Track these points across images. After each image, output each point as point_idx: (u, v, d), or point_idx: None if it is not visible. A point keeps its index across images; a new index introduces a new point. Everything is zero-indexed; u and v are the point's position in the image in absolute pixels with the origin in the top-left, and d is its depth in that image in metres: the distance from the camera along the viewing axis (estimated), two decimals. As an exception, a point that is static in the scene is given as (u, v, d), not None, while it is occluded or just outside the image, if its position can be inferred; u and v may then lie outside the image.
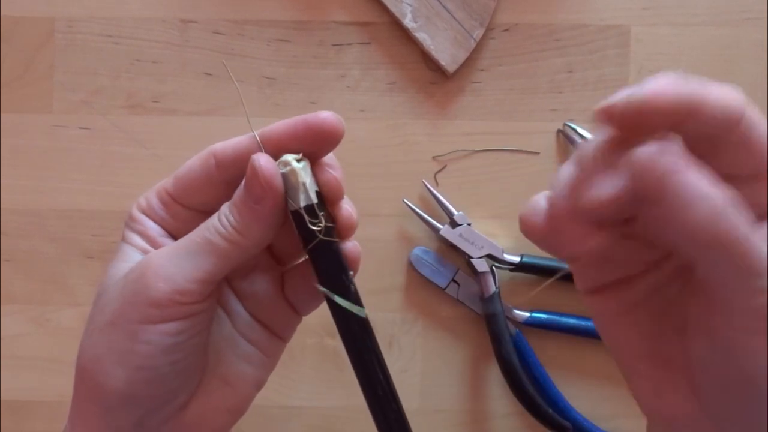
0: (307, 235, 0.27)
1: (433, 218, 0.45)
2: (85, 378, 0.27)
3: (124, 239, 0.29)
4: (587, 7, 0.46)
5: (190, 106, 0.46)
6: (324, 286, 0.27)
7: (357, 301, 0.27)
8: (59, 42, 0.46)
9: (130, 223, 0.29)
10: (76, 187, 0.46)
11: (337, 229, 0.28)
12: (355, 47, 0.47)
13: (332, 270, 0.27)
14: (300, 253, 0.31)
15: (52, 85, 0.46)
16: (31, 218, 0.46)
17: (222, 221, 0.26)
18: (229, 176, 0.28)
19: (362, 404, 0.28)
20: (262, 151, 0.27)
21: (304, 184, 0.26)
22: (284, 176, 0.26)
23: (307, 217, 0.26)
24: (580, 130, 0.45)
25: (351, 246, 0.28)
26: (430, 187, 0.46)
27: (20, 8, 0.46)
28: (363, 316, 0.27)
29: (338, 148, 0.28)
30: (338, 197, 0.28)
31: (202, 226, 0.27)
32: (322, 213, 0.27)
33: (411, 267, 0.46)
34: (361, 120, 0.46)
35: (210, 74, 0.46)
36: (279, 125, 0.27)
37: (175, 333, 0.26)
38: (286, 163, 0.26)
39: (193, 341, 0.27)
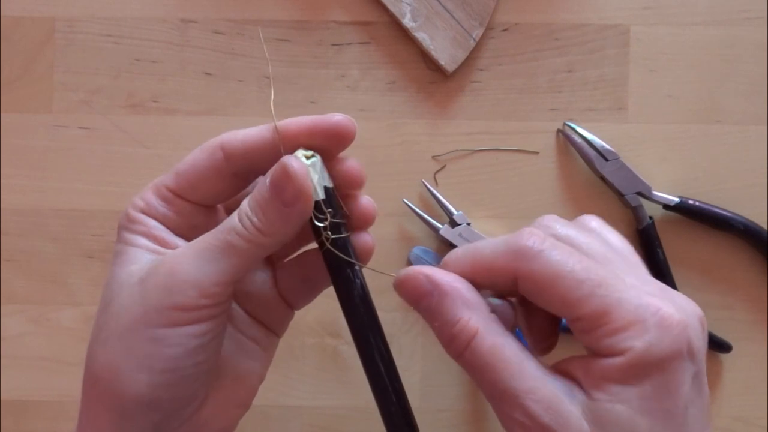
0: (317, 230, 0.27)
1: (432, 218, 0.45)
2: (100, 385, 0.27)
3: (124, 242, 0.28)
4: (587, 6, 0.46)
5: (190, 106, 0.46)
6: (333, 281, 0.28)
7: (364, 294, 0.28)
8: (59, 42, 0.46)
9: (128, 225, 0.28)
10: (76, 187, 0.46)
11: (355, 220, 0.28)
12: (354, 47, 0.47)
13: (339, 264, 0.27)
14: (292, 249, 0.31)
15: (52, 85, 0.47)
16: (31, 218, 0.46)
17: (244, 223, 0.26)
18: (238, 168, 0.28)
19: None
20: (282, 150, 0.27)
21: (312, 181, 0.27)
22: None
23: (314, 213, 0.27)
24: (579, 129, 0.45)
25: (365, 239, 0.29)
26: (430, 187, 0.46)
27: (20, 8, 0.47)
28: (366, 310, 0.28)
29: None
30: (359, 184, 0.28)
31: (221, 227, 0.27)
32: (329, 210, 0.27)
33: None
34: (360, 120, 0.46)
35: (210, 74, 0.46)
36: (292, 122, 0.27)
37: (200, 335, 0.26)
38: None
39: (215, 341, 0.27)
